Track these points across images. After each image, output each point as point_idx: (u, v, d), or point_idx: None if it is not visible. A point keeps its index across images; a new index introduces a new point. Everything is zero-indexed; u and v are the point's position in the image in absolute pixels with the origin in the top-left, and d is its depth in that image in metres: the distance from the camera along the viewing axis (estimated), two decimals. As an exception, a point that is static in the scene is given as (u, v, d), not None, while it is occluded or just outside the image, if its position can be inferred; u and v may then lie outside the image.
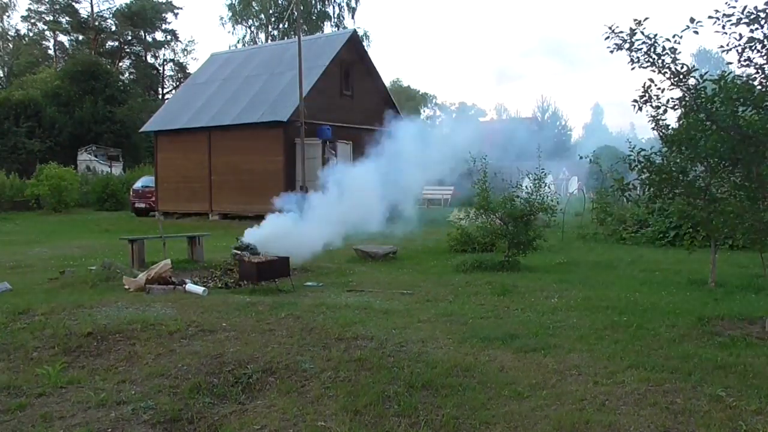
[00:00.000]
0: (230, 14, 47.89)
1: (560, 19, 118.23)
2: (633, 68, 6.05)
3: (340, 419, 4.09)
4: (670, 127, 6.95)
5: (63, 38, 56.03)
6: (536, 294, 8.18)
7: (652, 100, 6.26)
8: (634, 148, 6.85)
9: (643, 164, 6.73)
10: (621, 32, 6.01)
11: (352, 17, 47.22)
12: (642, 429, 3.90)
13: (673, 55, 5.88)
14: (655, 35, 5.88)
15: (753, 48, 5.56)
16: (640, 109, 6.34)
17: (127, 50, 56.31)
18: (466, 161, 11.63)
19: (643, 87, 6.15)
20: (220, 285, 9.22)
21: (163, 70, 58.65)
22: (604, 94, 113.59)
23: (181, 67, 57.34)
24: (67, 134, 39.49)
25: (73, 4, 51.99)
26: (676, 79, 5.96)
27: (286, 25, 44.09)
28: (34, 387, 4.63)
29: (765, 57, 5.58)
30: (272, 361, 5.08)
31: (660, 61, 5.92)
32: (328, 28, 45.63)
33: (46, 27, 54.96)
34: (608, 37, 6.07)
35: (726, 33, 5.59)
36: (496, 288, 8.48)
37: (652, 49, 5.90)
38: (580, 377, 4.81)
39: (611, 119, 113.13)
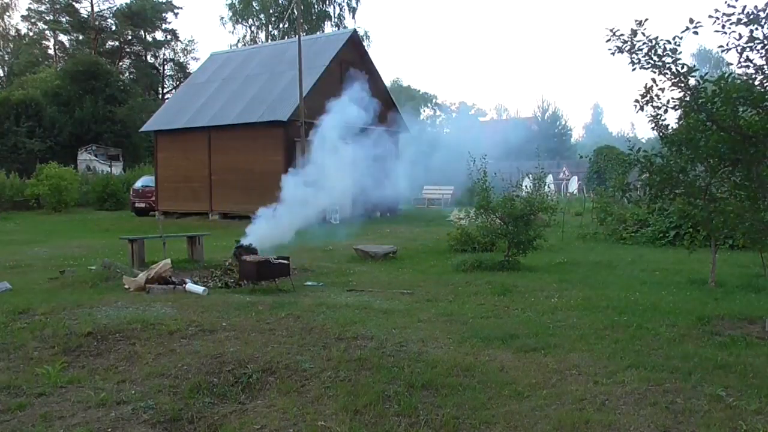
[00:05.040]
0: (230, 14, 47.90)
1: (560, 19, 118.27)
2: (634, 69, 6.05)
3: (340, 419, 4.09)
4: (670, 127, 6.95)
5: (63, 38, 56.11)
6: (536, 294, 8.18)
7: (653, 101, 6.26)
8: (633, 147, 6.85)
9: (643, 164, 6.73)
10: (622, 35, 6.02)
11: (353, 17, 47.26)
12: (642, 429, 3.90)
13: (673, 56, 5.88)
14: (656, 37, 5.88)
15: (753, 48, 5.56)
16: (642, 109, 6.34)
17: (127, 50, 56.31)
18: None
19: (645, 87, 6.15)
20: (220, 285, 9.22)
21: (163, 69, 58.66)
22: (604, 94, 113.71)
23: (181, 67, 57.34)
24: (67, 134, 39.49)
25: (74, 3, 52.00)
26: (677, 79, 5.96)
27: (286, 25, 44.07)
28: (34, 387, 4.63)
29: (765, 57, 5.58)
30: (272, 360, 5.08)
31: (661, 62, 5.92)
32: (328, 27, 45.65)
33: (46, 26, 54.98)
34: (609, 40, 6.07)
35: (726, 33, 5.59)
36: (496, 288, 8.49)
37: (653, 51, 5.90)
38: (580, 377, 4.81)
39: (611, 119, 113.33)
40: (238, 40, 48.17)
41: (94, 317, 6.31)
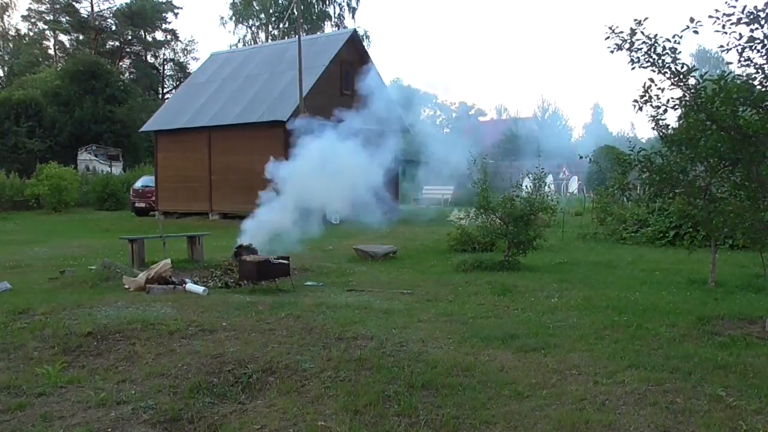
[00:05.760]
0: (231, 13, 47.91)
1: (560, 20, 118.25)
2: (633, 68, 6.05)
3: (340, 419, 4.09)
4: (670, 127, 6.94)
5: (63, 38, 56.09)
6: (536, 294, 8.18)
7: (652, 100, 6.25)
8: (634, 148, 6.85)
9: (643, 164, 6.73)
10: (621, 32, 6.01)
11: (353, 17, 47.31)
12: (642, 429, 3.90)
13: (673, 55, 5.87)
14: (656, 35, 5.88)
15: (753, 48, 5.56)
16: (641, 109, 6.33)
17: (127, 50, 56.32)
18: None
19: (644, 87, 6.14)
20: (220, 285, 9.22)
21: (163, 69, 58.67)
22: (604, 94, 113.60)
23: (181, 67, 57.35)
24: (68, 134, 39.50)
25: (74, 3, 52.01)
26: (676, 78, 5.96)
27: (286, 25, 44.09)
28: (34, 387, 4.63)
29: (765, 57, 5.57)
30: (272, 360, 5.08)
31: (660, 61, 5.91)
32: (328, 27, 45.68)
33: (46, 26, 54.99)
34: (608, 37, 6.07)
35: (726, 33, 5.59)
36: (496, 288, 8.48)
37: (653, 49, 5.90)
38: (580, 377, 4.81)
39: (611, 119, 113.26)
40: (239, 40, 48.23)
41: (94, 317, 6.31)
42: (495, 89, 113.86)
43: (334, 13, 47.08)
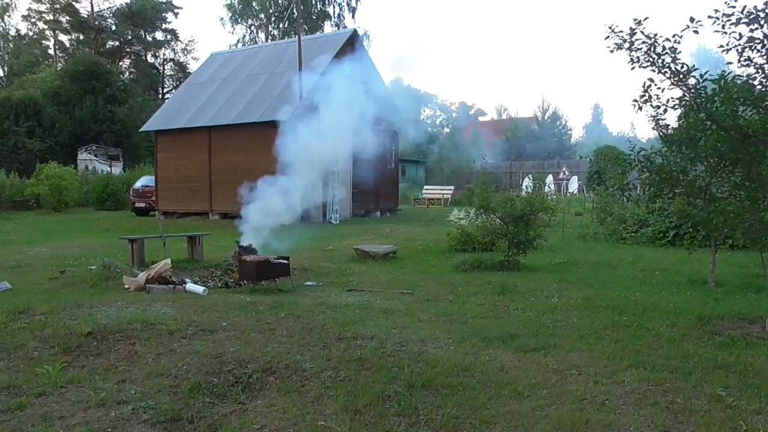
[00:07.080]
0: (229, 14, 47.93)
1: (560, 20, 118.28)
2: (633, 68, 6.05)
3: (340, 419, 4.09)
4: (670, 127, 6.95)
5: (63, 38, 56.18)
6: (536, 293, 8.18)
7: (652, 100, 6.26)
8: (634, 148, 6.85)
9: (643, 164, 6.74)
10: (621, 32, 6.02)
11: (353, 17, 47.33)
12: (642, 428, 3.90)
13: (673, 55, 5.88)
14: (655, 35, 5.88)
15: (753, 48, 5.56)
16: (640, 108, 6.34)
17: (128, 50, 56.35)
18: None
19: (643, 87, 6.15)
20: (220, 285, 9.22)
21: (163, 69, 58.70)
22: (604, 94, 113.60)
23: (181, 67, 57.38)
24: (68, 134, 39.51)
25: (74, 3, 52.05)
26: (676, 78, 5.96)
27: (286, 25, 44.11)
28: (34, 387, 4.63)
29: (765, 57, 5.58)
30: (272, 360, 5.08)
31: (660, 60, 5.92)
32: (328, 27, 45.71)
33: (46, 26, 55.07)
34: (608, 37, 6.07)
35: (726, 33, 5.59)
36: (496, 288, 8.48)
37: (652, 49, 5.90)
38: (580, 377, 4.81)
39: (611, 119, 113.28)
40: (238, 40, 48.25)
41: (94, 317, 6.31)
42: (495, 89, 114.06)
43: (334, 13, 47.15)
